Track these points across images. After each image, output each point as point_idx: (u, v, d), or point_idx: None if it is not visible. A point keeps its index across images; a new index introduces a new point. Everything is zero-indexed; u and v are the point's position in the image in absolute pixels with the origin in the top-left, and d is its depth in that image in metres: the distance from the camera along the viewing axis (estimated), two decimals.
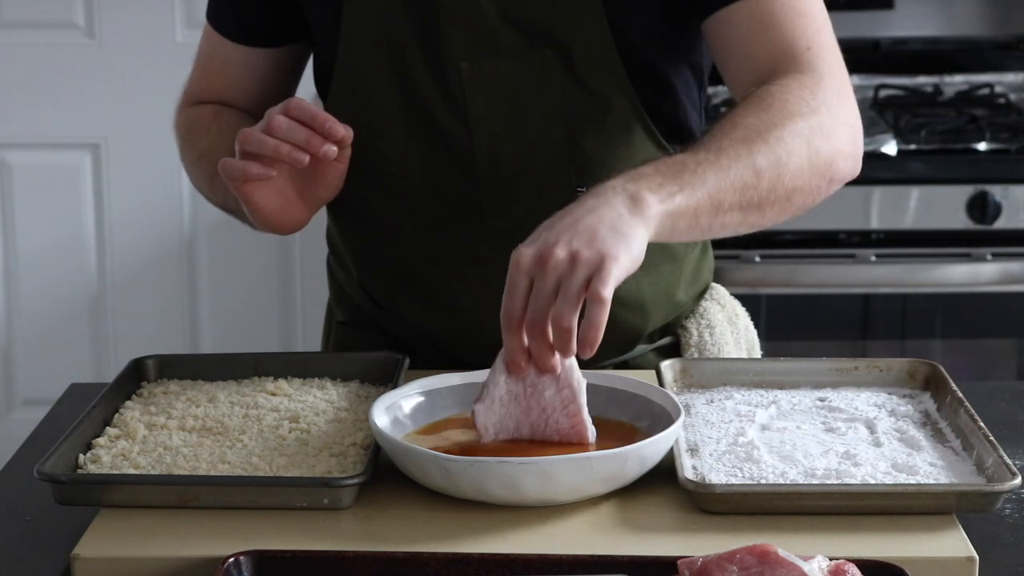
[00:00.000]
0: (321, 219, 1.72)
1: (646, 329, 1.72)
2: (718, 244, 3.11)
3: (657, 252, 1.65)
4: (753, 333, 1.84)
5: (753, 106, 1.46)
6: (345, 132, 1.51)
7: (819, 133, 1.46)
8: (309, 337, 3.39)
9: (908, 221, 2.95)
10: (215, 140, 1.69)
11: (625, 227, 1.31)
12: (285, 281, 3.43)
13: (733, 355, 1.76)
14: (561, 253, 1.28)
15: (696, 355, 1.74)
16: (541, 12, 1.59)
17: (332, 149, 1.50)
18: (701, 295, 1.79)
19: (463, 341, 1.69)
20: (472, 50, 1.59)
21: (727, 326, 1.78)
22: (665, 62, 1.64)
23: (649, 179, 1.36)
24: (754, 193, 1.41)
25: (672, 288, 1.72)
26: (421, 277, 1.69)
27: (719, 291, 1.82)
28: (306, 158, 1.49)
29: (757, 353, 1.84)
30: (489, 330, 1.56)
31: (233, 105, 1.77)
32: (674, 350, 1.76)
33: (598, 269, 1.27)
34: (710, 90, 3.32)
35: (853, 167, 1.52)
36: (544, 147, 1.61)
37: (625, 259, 1.29)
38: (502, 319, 1.32)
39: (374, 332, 1.76)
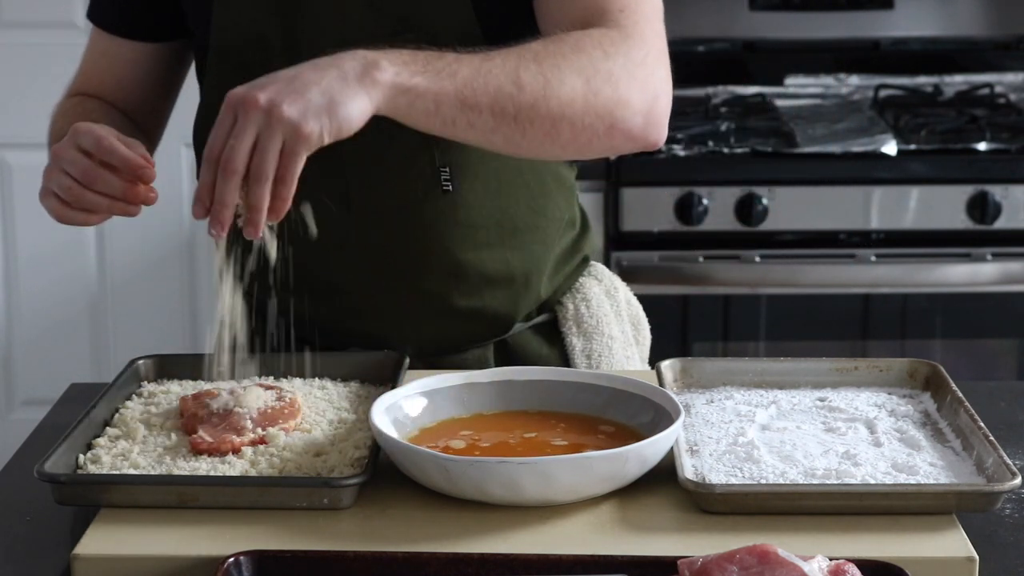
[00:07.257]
0: None
1: (519, 309, 1.73)
2: (714, 244, 3.12)
3: (527, 231, 1.69)
4: (637, 306, 1.86)
5: (547, 40, 1.46)
6: (153, 171, 1.47)
7: (604, 76, 1.44)
8: None
9: (908, 221, 2.95)
10: (68, 124, 1.59)
11: (341, 94, 1.32)
12: None
13: (614, 328, 1.79)
14: (262, 100, 1.30)
15: (574, 329, 1.76)
16: None
17: (152, 197, 1.47)
18: (578, 272, 1.81)
19: (331, 316, 1.69)
20: (338, 38, 1.51)
21: (605, 299, 1.80)
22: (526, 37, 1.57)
23: (397, 55, 1.37)
24: (511, 103, 1.40)
25: (542, 265, 1.73)
26: (290, 260, 1.62)
27: (598, 268, 1.84)
28: (137, 210, 1.47)
29: (644, 326, 1.86)
30: (355, 306, 1.68)
31: (110, 101, 1.76)
32: (552, 326, 1.78)
33: (292, 136, 1.30)
34: (709, 90, 3.34)
35: (643, 125, 1.48)
36: (407, 130, 1.49)
37: (326, 130, 1.31)
38: (204, 152, 1.34)
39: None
